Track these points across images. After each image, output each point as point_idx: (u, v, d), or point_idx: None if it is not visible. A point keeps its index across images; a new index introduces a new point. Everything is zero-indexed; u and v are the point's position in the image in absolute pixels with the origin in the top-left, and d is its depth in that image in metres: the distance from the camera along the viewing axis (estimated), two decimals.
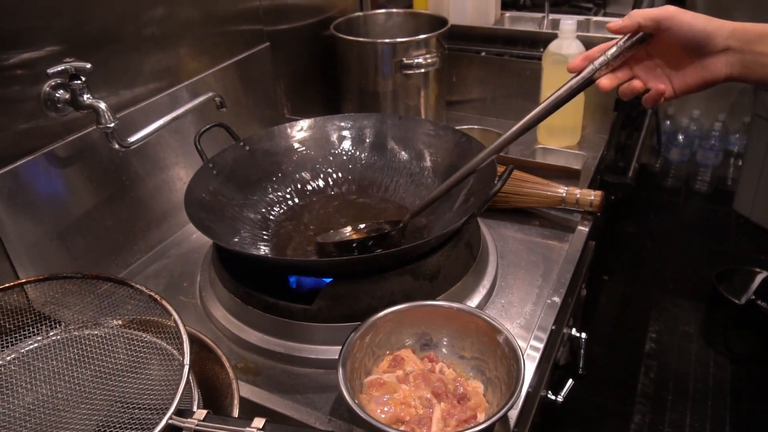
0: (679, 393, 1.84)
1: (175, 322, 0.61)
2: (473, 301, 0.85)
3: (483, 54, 1.45)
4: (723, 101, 2.82)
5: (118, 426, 0.56)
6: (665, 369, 1.92)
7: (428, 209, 0.89)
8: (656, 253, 2.48)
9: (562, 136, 1.29)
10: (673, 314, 2.13)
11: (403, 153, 1.05)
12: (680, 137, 2.89)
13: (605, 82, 0.70)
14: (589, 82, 0.70)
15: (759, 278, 1.90)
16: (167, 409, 0.53)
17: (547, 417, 1.08)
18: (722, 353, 1.96)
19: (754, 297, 1.84)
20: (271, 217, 0.99)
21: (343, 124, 1.07)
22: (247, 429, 0.52)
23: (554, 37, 1.23)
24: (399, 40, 1.26)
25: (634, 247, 2.52)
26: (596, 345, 1.98)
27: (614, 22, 0.68)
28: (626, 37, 0.68)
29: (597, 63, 0.70)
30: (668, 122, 2.96)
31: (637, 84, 0.70)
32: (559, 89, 0.72)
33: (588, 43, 1.24)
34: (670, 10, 0.65)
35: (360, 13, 1.45)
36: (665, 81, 0.69)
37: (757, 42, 0.64)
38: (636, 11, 0.67)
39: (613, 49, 0.69)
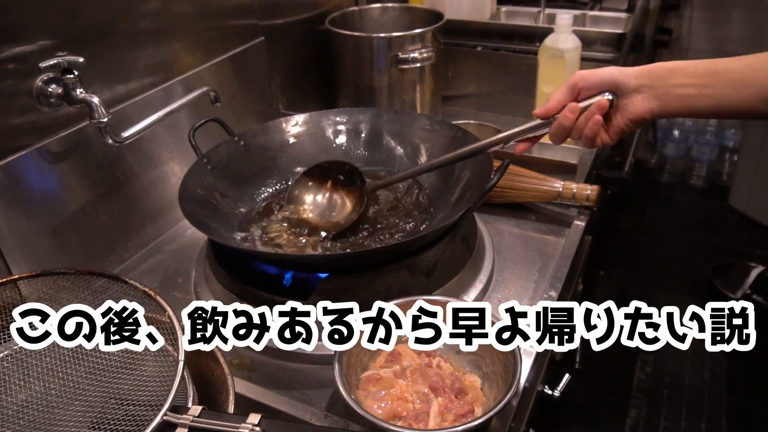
0: (675, 387, 1.85)
1: (169, 317, 0.60)
2: (470, 296, 0.85)
3: (479, 49, 1.45)
4: None
5: (112, 422, 0.56)
6: (661, 364, 1.93)
7: (423, 201, 0.89)
8: (652, 248, 2.48)
9: None
10: None
11: (398, 148, 1.05)
12: (676, 132, 2.89)
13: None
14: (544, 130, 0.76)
15: (754, 273, 1.91)
16: (162, 405, 0.53)
17: (544, 412, 1.08)
18: None
19: (749, 291, 1.84)
20: (267, 212, 0.98)
21: (338, 118, 1.06)
22: (243, 425, 0.52)
23: (550, 31, 1.22)
24: (394, 34, 1.26)
25: (631, 242, 2.52)
26: None
27: (538, 110, 0.75)
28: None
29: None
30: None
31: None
32: (514, 129, 0.77)
33: (584, 38, 1.24)
34: (576, 75, 0.73)
35: (355, 8, 1.44)
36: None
37: (667, 77, 0.68)
38: (553, 94, 0.74)
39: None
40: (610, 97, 0.71)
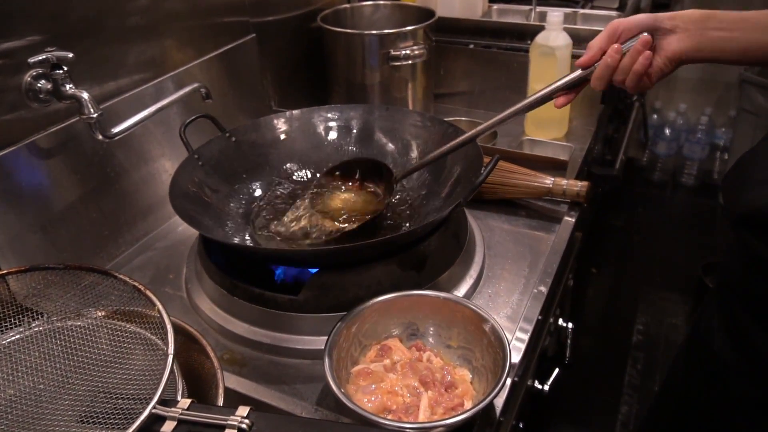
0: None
1: (159, 312, 0.60)
2: (460, 291, 0.85)
3: (471, 46, 1.45)
4: (709, 95, 2.84)
5: (101, 416, 0.56)
6: (652, 361, 1.94)
7: (414, 197, 0.89)
8: (644, 246, 2.50)
9: (550, 128, 1.29)
10: (661, 306, 2.15)
11: (390, 144, 1.05)
12: (667, 131, 2.91)
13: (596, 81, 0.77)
14: (585, 79, 0.78)
15: None
16: (151, 398, 0.52)
17: (535, 407, 1.09)
18: None
19: None
20: (257, 208, 0.98)
21: (329, 115, 1.06)
22: (232, 417, 0.52)
23: (541, 29, 1.23)
24: (386, 31, 1.26)
25: (622, 240, 2.54)
26: (584, 337, 2.00)
27: (581, 59, 0.77)
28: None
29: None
30: (655, 116, 2.98)
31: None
32: (557, 81, 0.79)
33: (575, 35, 1.24)
34: (614, 21, 0.76)
35: (347, 5, 1.44)
36: None
37: (700, 20, 0.72)
38: (592, 42, 0.76)
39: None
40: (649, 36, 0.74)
